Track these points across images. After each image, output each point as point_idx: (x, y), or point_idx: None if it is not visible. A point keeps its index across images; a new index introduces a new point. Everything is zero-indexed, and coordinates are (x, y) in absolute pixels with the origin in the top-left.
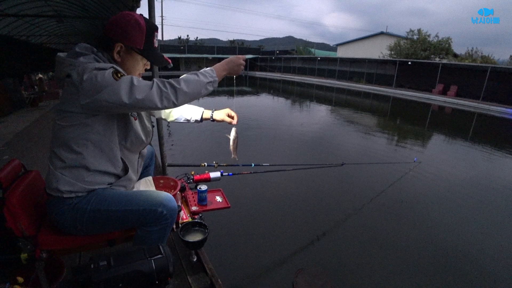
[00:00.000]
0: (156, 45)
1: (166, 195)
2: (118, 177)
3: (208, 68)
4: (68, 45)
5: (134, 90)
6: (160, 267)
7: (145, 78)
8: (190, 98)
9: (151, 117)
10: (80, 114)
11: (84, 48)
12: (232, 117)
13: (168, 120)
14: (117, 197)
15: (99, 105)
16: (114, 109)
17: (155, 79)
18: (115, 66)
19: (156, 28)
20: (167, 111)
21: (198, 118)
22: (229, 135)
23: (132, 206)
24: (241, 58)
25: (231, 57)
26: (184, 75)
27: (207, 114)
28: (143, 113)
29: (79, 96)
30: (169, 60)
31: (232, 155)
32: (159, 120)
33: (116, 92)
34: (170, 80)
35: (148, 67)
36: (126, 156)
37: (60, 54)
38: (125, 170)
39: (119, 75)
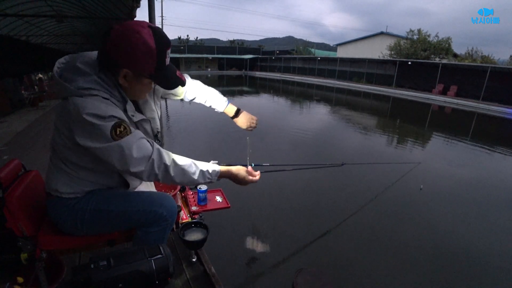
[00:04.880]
0: (168, 63)
1: (166, 196)
2: (119, 185)
3: (216, 169)
4: (68, 45)
5: (129, 161)
6: (160, 267)
7: None
8: (177, 184)
9: (158, 121)
10: (73, 142)
11: (87, 64)
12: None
13: (184, 100)
14: (117, 197)
15: (90, 152)
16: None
17: (154, 155)
18: (117, 114)
19: (168, 45)
20: (182, 94)
21: (220, 110)
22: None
23: (132, 207)
24: (251, 181)
25: (242, 174)
26: (187, 162)
27: (230, 110)
28: (148, 129)
29: (71, 129)
30: (183, 78)
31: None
32: (160, 120)
33: (109, 155)
34: (169, 162)
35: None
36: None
37: (58, 64)
38: (125, 184)
39: (118, 132)
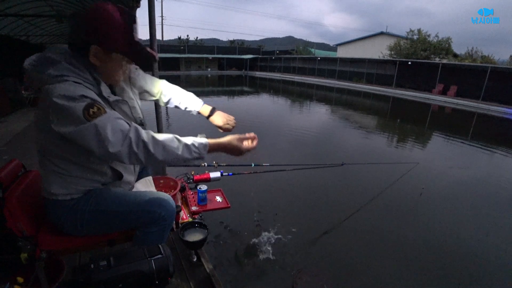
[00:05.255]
0: (137, 39)
1: (164, 196)
2: (112, 180)
3: (202, 142)
4: None
5: (105, 142)
6: (160, 267)
7: None
8: (163, 164)
9: (139, 110)
10: (53, 135)
11: (56, 53)
12: (230, 128)
13: (160, 104)
14: (116, 197)
15: (68, 138)
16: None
17: (130, 133)
18: (88, 94)
19: (134, 20)
20: (158, 94)
21: (196, 110)
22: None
23: (131, 207)
24: (247, 150)
25: (235, 143)
26: (169, 137)
27: (205, 110)
28: (127, 111)
29: (49, 118)
30: (155, 54)
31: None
32: (159, 120)
33: (84, 137)
34: (148, 139)
35: (132, 63)
36: (116, 164)
37: (29, 60)
38: (119, 175)
39: (91, 113)
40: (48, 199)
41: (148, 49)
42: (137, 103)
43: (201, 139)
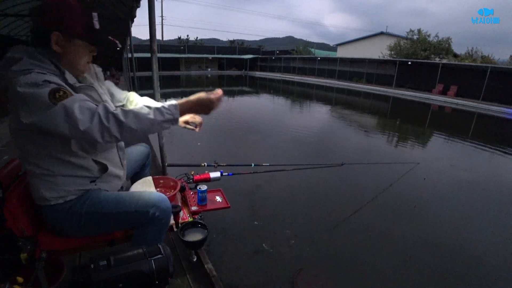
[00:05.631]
0: (97, 27)
1: (158, 195)
2: (99, 174)
3: (172, 103)
4: None
5: (75, 121)
6: (160, 267)
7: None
8: (139, 134)
9: (111, 103)
10: (27, 132)
11: (17, 51)
12: (197, 125)
13: None
14: (110, 199)
15: (39, 128)
16: (54, 134)
17: (99, 109)
18: (52, 79)
19: (93, 8)
20: (125, 100)
21: None
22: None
23: (125, 208)
24: (217, 98)
25: (204, 96)
26: (139, 106)
27: None
28: (96, 97)
29: (19, 114)
30: (116, 41)
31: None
32: None
33: (53, 121)
34: (117, 111)
35: (95, 53)
36: (99, 156)
37: None
38: (104, 168)
39: (57, 96)
40: (42, 206)
41: (110, 37)
42: (107, 96)
43: (170, 101)
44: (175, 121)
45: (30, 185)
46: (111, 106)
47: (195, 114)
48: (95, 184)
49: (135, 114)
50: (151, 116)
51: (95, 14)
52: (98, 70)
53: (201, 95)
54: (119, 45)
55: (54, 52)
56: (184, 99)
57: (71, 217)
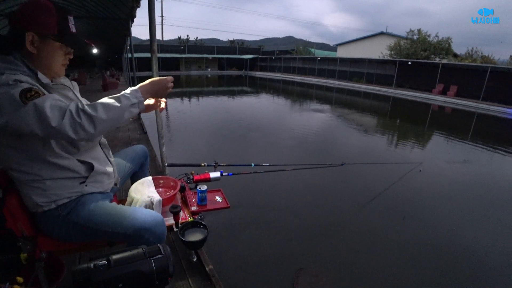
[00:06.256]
0: (73, 30)
1: (154, 218)
2: (87, 174)
3: (132, 88)
4: None
5: (46, 118)
6: (160, 267)
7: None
8: (111, 125)
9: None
10: (1, 137)
11: None
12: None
13: None
14: (104, 216)
15: (11, 129)
16: (29, 136)
17: (70, 106)
18: (23, 79)
19: (69, 12)
20: None
21: None
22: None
23: (119, 229)
24: (168, 81)
25: (156, 78)
26: (104, 98)
27: None
28: (71, 96)
29: None
30: (92, 44)
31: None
32: (159, 120)
33: (24, 120)
34: (85, 106)
35: (71, 56)
36: (83, 156)
37: None
38: (90, 167)
39: (28, 96)
40: (36, 213)
41: (86, 40)
42: (83, 99)
43: (131, 88)
44: (141, 103)
45: (21, 194)
46: (81, 103)
47: (153, 97)
48: (86, 185)
49: (103, 105)
50: (119, 103)
51: (71, 18)
52: (75, 83)
53: (153, 79)
54: (94, 48)
55: (27, 53)
56: (140, 84)
57: (65, 225)
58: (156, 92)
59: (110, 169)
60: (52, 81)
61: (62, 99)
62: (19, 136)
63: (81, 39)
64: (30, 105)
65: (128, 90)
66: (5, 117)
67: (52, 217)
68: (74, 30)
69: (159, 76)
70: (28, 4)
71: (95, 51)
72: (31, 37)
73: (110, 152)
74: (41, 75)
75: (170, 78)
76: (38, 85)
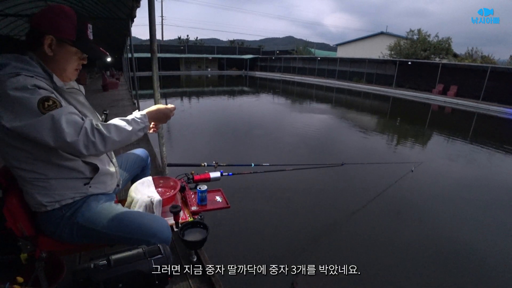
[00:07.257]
0: (90, 37)
1: (160, 222)
2: (91, 175)
3: (141, 113)
4: None
5: (61, 132)
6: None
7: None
8: (119, 146)
9: (99, 116)
10: (9, 138)
11: (3, 58)
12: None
13: None
14: (109, 218)
15: (21, 133)
16: (37, 143)
17: (85, 123)
18: (41, 85)
19: (88, 20)
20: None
21: None
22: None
23: (124, 234)
24: (171, 110)
25: (163, 106)
26: (116, 119)
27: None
28: (83, 101)
29: (1, 117)
30: (106, 53)
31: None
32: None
33: (38, 129)
34: (100, 126)
35: (85, 62)
36: (88, 157)
37: None
38: (95, 168)
39: (46, 106)
40: (38, 212)
41: (101, 49)
42: (96, 114)
43: (139, 112)
44: (147, 128)
45: (24, 193)
46: (95, 121)
47: (154, 122)
48: (90, 187)
49: (117, 127)
50: (130, 127)
51: (90, 26)
52: (81, 86)
53: (159, 106)
54: (108, 56)
55: (43, 56)
56: (146, 110)
57: (69, 226)
58: (159, 119)
59: (112, 169)
60: (65, 85)
61: (76, 105)
62: (27, 139)
63: (97, 47)
64: (47, 116)
65: (138, 115)
66: (20, 122)
67: (56, 217)
68: (91, 37)
69: (159, 75)
70: (51, 8)
71: (109, 59)
72: (50, 40)
73: (112, 152)
74: (56, 78)
75: (173, 107)
76: (55, 92)
